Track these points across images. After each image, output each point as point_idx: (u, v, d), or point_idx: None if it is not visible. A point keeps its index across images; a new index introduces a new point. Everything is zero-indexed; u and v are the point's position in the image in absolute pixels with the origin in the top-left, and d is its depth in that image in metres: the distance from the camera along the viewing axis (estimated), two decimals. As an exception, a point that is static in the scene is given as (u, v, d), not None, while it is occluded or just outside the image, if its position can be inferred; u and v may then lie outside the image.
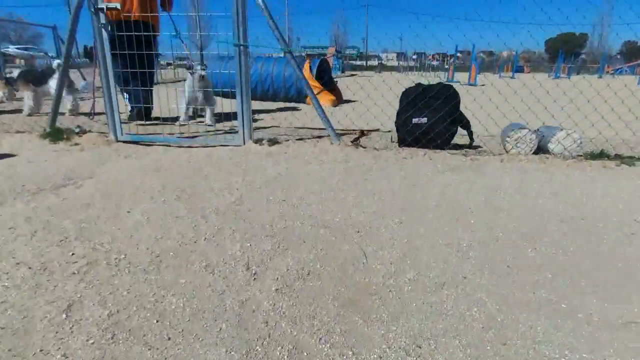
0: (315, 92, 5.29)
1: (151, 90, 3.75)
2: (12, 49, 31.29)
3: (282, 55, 5.71)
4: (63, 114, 3.65)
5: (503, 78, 15.80)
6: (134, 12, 3.35)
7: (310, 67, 5.35)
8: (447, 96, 2.30)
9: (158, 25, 3.73)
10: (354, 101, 6.19)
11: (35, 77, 4.31)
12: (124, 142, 2.60)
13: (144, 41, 2.81)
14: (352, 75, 19.74)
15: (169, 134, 2.84)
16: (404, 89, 2.56)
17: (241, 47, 2.37)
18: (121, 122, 2.61)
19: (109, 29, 2.60)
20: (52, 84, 4.12)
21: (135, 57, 2.75)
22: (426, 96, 2.32)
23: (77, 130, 2.63)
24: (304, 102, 5.55)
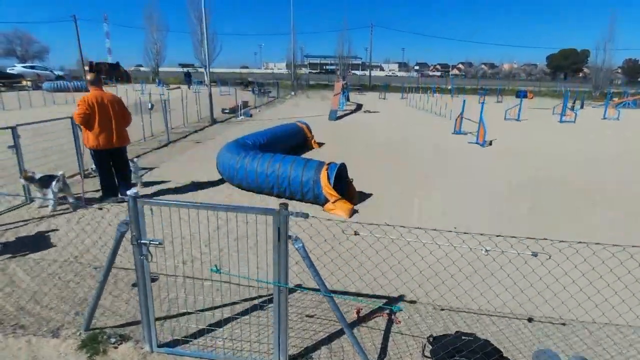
0: (332, 200, 5.36)
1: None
2: (18, 68, 31.52)
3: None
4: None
5: (509, 121, 15.87)
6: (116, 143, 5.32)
7: (327, 174, 5.38)
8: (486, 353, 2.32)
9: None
10: (368, 195, 6.22)
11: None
12: (160, 353, 2.63)
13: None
14: (357, 109, 19.76)
15: (208, 342, 2.86)
16: (435, 342, 2.56)
17: (280, 288, 2.40)
18: (156, 329, 2.64)
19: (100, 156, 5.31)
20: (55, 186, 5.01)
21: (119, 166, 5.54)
22: (464, 350, 2.34)
23: (113, 340, 2.65)
24: (320, 205, 5.59)
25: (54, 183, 5.01)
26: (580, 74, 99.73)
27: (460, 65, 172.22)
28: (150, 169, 7.32)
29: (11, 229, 4.57)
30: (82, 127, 5.22)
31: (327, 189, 5.34)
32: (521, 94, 33.02)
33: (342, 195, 5.64)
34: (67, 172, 6.74)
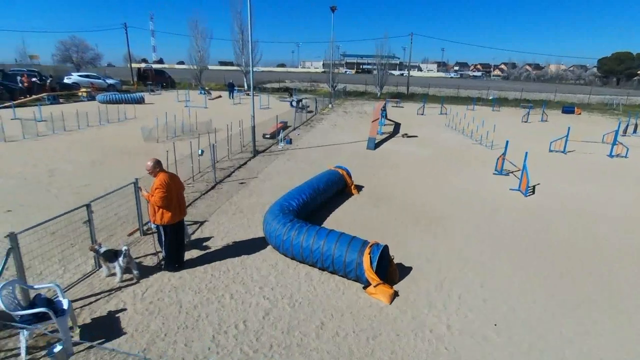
0: (374, 284, 5.59)
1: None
2: (74, 77, 33.61)
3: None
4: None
5: (554, 153, 15.40)
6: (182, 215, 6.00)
7: (370, 258, 5.60)
8: None
9: None
10: (408, 269, 6.35)
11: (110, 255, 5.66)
12: None
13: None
14: (395, 130, 19.64)
15: None
16: None
17: None
18: None
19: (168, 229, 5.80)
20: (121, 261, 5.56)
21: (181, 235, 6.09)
22: None
23: None
24: (361, 283, 5.81)
25: (120, 259, 5.55)
26: (635, 78, 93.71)
27: (503, 66, 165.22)
28: (202, 222, 7.80)
29: (86, 304, 5.12)
30: (157, 207, 5.67)
31: (369, 273, 5.57)
32: (568, 110, 31.70)
33: (383, 273, 5.87)
34: (124, 221, 7.34)
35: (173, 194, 5.70)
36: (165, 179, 5.61)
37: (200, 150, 10.10)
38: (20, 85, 24.90)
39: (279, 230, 6.44)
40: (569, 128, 15.80)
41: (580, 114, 31.34)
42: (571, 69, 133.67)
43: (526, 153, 10.49)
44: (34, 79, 26.08)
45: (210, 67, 41.46)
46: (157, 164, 5.73)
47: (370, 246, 5.77)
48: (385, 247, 5.89)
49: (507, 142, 12.01)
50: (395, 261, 6.36)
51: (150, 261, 6.31)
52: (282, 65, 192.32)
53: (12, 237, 4.55)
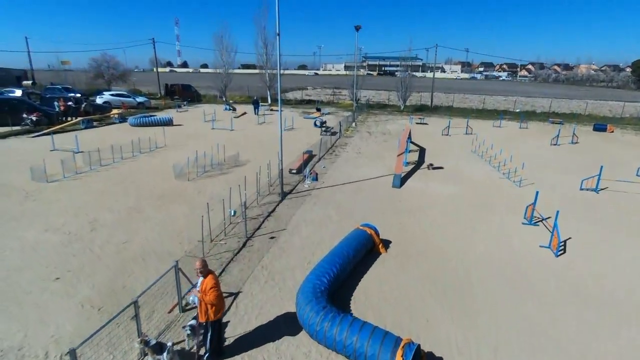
0: (406, 391, 5.73)
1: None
2: (106, 96, 34.82)
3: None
4: None
5: (585, 192, 15.05)
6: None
7: (403, 358, 5.75)
8: None
9: None
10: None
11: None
12: None
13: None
14: (420, 159, 19.52)
15: None
16: None
17: None
18: None
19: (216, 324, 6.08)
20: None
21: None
22: None
23: None
24: (394, 381, 5.96)
25: (164, 354, 5.90)
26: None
27: (530, 66, 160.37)
28: (236, 294, 8.11)
29: (136, 404, 5.48)
30: (211, 305, 6.03)
31: (401, 376, 5.72)
32: (600, 127, 30.75)
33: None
34: (164, 292, 7.57)
35: (220, 290, 6.10)
36: (216, 279, 6.06)
37: (232, 211, 10.46)
38: (57, 109, 26.07)
39: (312, 319, 6.66)
40: (601, 167, 15.41)
41: (612, 131, 30.34)
42: (603, 68, 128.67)
43: (557, 212, 10.37)
44: (69, 103, 27.25)
45: (232, 71, 42.23)
46: (205, 265, 6.09)
47: (403, 347, 5.91)
48: (418, 347, 6.02)
49: (537, 193, 11.86)
50: (426, 348, 6.50)
51: (190, 344, 6.65)
52: (304, 67, 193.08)
53: (72, 353, 4.94)
